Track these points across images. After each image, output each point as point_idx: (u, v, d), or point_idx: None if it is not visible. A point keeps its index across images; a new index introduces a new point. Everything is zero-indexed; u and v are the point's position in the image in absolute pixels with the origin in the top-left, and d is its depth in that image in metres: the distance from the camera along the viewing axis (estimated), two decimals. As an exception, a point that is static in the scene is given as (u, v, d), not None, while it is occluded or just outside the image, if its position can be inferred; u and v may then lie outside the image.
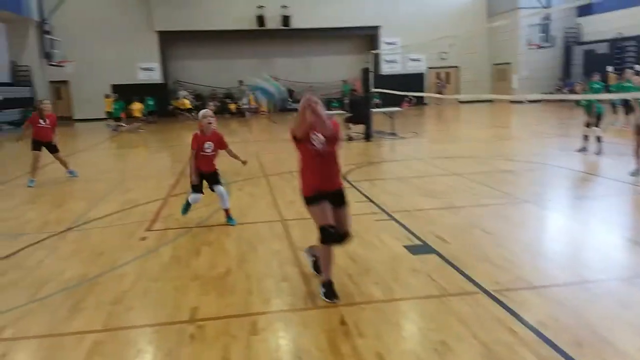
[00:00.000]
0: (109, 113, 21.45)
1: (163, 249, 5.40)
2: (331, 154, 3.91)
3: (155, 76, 26.50)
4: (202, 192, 6.24)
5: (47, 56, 20.88)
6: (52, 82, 25.77)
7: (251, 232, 5.89)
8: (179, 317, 3.82)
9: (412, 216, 6.12)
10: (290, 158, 11.76)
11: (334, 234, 3.87)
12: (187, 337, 3.50)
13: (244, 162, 6.35)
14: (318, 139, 3.84)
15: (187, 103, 25.12)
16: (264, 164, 10.75)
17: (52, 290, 4.38)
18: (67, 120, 25.26)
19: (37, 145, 9.56)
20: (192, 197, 6.25)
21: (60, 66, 21.75)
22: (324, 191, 3.91)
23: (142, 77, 26.33)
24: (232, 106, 26.27)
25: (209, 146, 5.98)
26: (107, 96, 22.02)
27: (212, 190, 6.24)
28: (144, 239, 5.79)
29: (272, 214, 6.68)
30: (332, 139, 3.85)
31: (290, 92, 28.35)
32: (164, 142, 17.47)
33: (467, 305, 3.76)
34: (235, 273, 4.64)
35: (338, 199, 4.00)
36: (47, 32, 20.81)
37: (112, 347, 3.44)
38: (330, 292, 3.93)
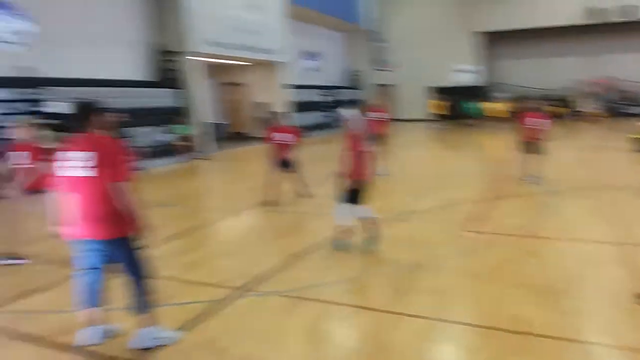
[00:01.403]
0: (436, 114, 22.92)
1: (485, 251, 5.35)
2: None
3: (472, 78, 26.67)
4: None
5: (377, 62, 23.36)
6: (378, 85, 28.86)
7: (582, 250, 5.28)
8: (504, 324, 3.70)
9: None
10: (630, 169, 10.16)
11: None
12: (509, 347, 3.35)
13: None
14: None
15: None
16: (595, 174, 9.54)
17: (383, 268, 4.87)
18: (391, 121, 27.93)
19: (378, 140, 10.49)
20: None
21: (388, 71, 24.08)
22: None
23: (457, 80, 26.85)
24: (562, 110, 22.92)
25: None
26: (434, 98, 23.48)
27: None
28: (466, 237, 5.86)
29: (608, 233, 5.84)
30: None
31: (625, 93, 24.36)
32: (475, 143, 17.48)
33: None
34: (565, 290, 4.23)
35: None
36: (378, 40, 23.23)
37: (436, 335, 3.58)
38: None
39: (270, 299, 4.24)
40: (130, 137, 12.05)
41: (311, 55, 24.22)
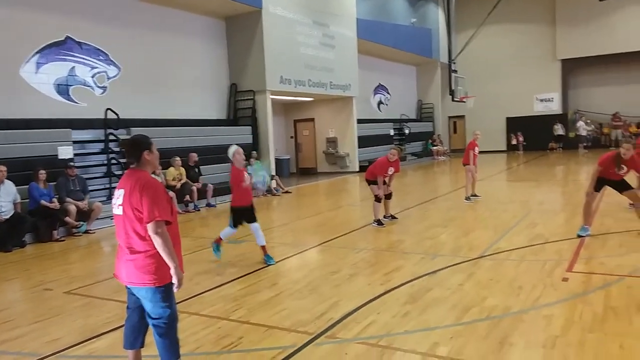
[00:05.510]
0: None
1: (592, 296, 4.62)
2: None
3: (553, 107, 25.33)
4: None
5: (451, 93, 22.86)
6: (450, 117, 28.13)
7: None
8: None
9: None
10: None
11: None
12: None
13: None
14: None
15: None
16: None
17: (476, 317, 4.29)
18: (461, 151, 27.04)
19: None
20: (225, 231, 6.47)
21: (462, 102, 23.43)
22: None
23: (539, 109, 25.60)
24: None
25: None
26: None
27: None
28: (565, 280, 5.15)
29: None
30: None
31: None
32: (562, 174, 16.29)
33: None
34: None
35: None
36: (452, 72, 22.80)
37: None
38: None
39: (350, 347, 3.80)
40: (201, 174, 12.32)
41: (382, 89, 24.04)
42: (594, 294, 4.68)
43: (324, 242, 7.67)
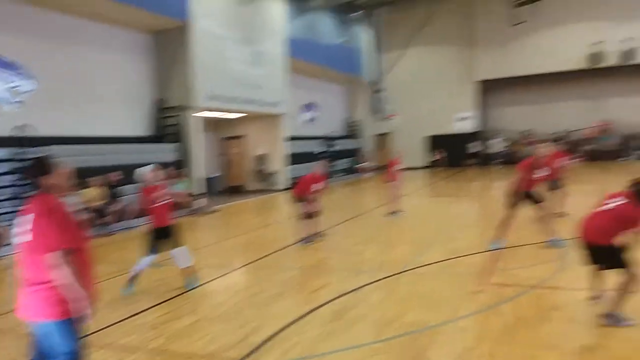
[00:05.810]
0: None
1: (504, 308, 4.88)
2: None
3: (471, 125, 26.72)
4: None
5: (377, 112, 23.51)
6: (376, 135, 28.93)
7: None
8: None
9: None
10: None
11: None
12: None
13: None
14: None
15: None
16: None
17: (396, 332, 4.39)
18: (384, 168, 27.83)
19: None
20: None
21: (388, 120, 24.17)
22: None
23: (458, 127, 26.92)
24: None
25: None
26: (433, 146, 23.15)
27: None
28: (480, 292, 5.41)
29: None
30: None
31: (628, 139, 24.34)
32: (478, 189, 17.18)
33: None
34: (595, 355, 3.75)
35: None
36: (379, 91, 23.51)
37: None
38: None
39: (270, 372, 3.76)
40: (122, 195, 11.80)
41: (311, 107, 24.33)
42: (506, 305, 4.94)
43: (250, 262, 7.56)
